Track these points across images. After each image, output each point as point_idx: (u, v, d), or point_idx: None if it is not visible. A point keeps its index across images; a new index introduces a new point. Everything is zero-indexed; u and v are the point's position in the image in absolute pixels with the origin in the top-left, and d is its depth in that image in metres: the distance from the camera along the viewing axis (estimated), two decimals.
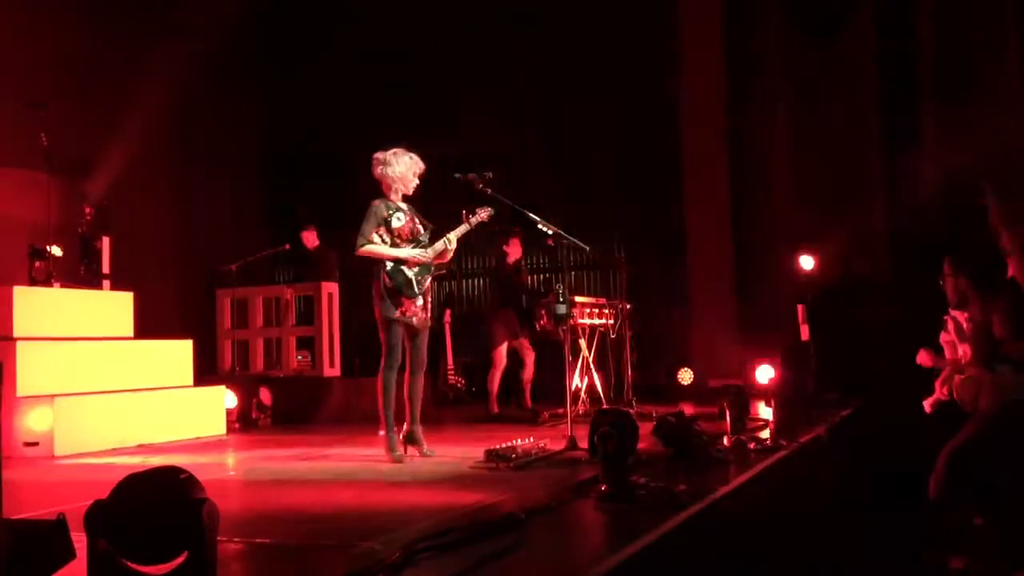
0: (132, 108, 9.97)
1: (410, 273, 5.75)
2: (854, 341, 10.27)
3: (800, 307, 9.42)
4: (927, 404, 6.15)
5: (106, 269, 8.84)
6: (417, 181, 5.89)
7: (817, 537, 4.67)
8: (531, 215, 6.59)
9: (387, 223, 5.74)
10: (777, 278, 11.12)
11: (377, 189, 5.91)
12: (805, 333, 9.36)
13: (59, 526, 2.73)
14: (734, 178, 11.47)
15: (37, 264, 8.03)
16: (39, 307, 7.43)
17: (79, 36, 9.84)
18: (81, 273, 8.67)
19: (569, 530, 3.82)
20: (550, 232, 6.70)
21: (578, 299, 8.55)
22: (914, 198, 10.40)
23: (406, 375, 5.94)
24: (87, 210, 8.87)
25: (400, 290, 5.70)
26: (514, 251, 9.15)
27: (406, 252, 5.75)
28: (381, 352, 5.77)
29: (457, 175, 6.20)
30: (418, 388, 5.99)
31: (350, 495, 4.73)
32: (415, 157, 5.88)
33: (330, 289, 10.15)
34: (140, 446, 7.10)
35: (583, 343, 8.60)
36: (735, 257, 11.42)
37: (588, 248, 7.73)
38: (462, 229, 5.95)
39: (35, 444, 6.56)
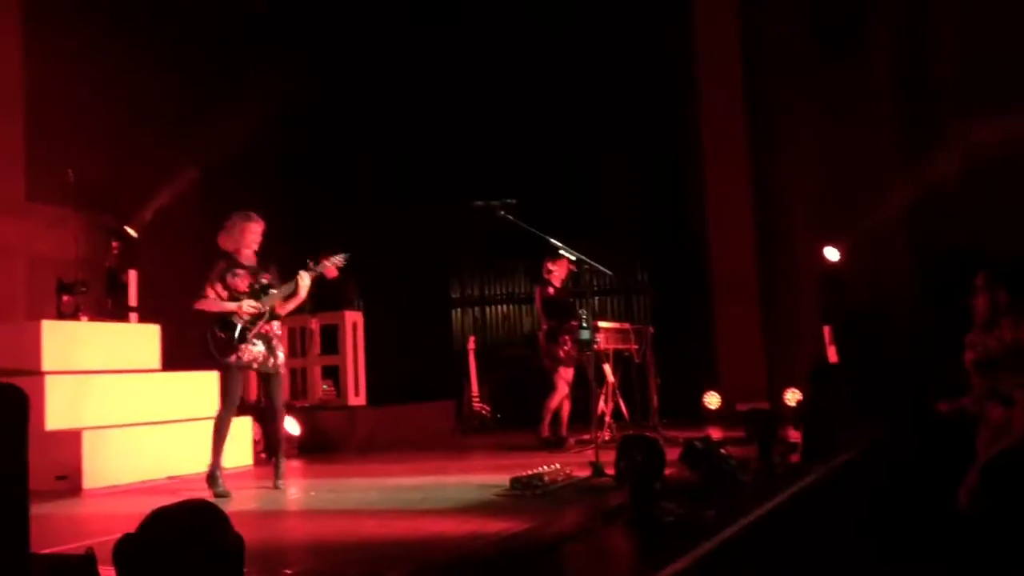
0: (159, 143, 10.05)
1: (240, 323, 6.21)
2: (881, 363, 10.15)
3: (827, 329, 9.32)
4: (943, 405, 5.91)
5: (133, 302, 8.91)
6: (259, 238, 6.35)
7: (850, 560, 4.61)
8: (553, 240, 6.59)
9: (223, 279, 6.23)
10: (803, 300, 11.04)
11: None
12: (832, 355, 9.25)
13: (88, 560, 2.74)
14: (757, 199, 11.42)
15: (65, 298, 8.10)
16: (67, 341, 7.48)
17: (107, 70, 9.96)
18: (108, 307, 8.74)
19: (597, 558, 3.79)
20: (573, 257, 6.70)
21: (601, 324, 8.51)
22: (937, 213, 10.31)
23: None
24: (114, 245, 8.96)
25: (232, 339, 6.17)
26: (560, 272, 8.50)
27: (233, 304, 6.19)
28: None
29: (479, 203, 6.24)
30: (279, 427, 6.58)
31: (374, 524, 4.72)
32: (254, 217, 6.33)
33: (354, 318, 10.18)
34: (169, 478, 7.12)
35: (608, 368, 8.55)
36: (760, 279, 11.34)
37: (611, 273, 7.70)
38: (311, 274, 6.39)
39: (64, 478, 6.59)
